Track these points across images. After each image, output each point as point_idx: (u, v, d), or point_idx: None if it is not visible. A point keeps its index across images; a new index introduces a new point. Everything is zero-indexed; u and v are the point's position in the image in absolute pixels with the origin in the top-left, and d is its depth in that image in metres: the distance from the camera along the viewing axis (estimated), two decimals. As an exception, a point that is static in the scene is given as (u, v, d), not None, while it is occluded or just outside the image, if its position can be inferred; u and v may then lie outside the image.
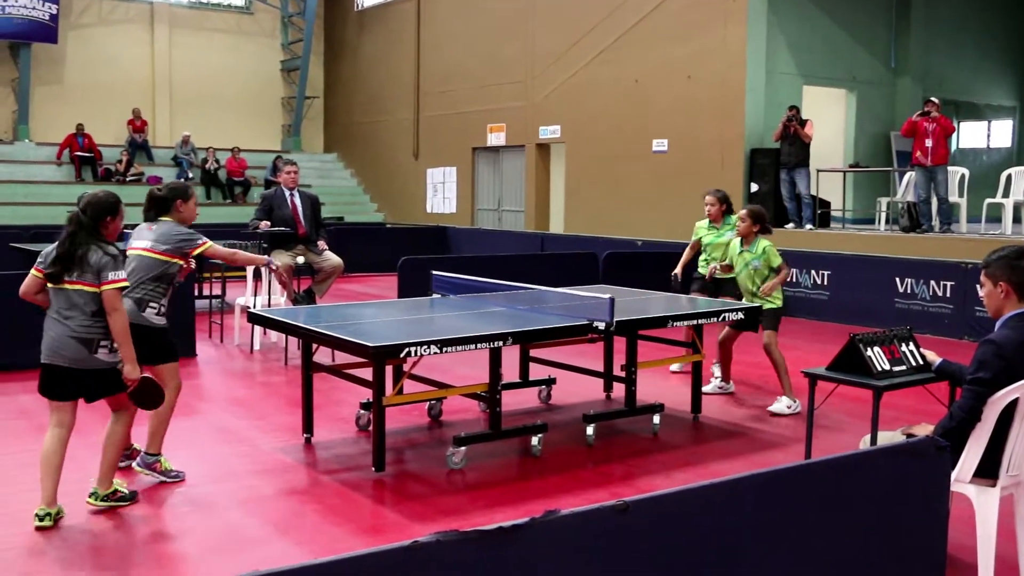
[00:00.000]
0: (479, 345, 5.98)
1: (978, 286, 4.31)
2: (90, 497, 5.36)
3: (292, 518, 5.43)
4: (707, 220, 9.09)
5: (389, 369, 6.77)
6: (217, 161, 23.43)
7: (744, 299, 7.81)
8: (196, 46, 25.43)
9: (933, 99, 13.73)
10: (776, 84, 15.72)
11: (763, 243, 7.66)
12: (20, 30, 22.72)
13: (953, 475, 4.25)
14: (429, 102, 22.83)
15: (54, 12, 22.89)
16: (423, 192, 23.24)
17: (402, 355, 5.76)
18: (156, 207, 5.96)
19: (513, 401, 7.92)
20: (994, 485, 4.23)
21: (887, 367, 4.64)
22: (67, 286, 5.06)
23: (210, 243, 6.00)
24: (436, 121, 22.63)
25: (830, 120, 17.08)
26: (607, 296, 6.38)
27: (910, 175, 15.00)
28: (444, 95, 22.25)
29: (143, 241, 5.82)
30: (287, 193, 10.31)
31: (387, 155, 24.52)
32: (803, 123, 14.55)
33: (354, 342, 5.77)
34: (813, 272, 13.56)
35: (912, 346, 4.78)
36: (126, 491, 5.50)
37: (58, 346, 5.08)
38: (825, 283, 13.35)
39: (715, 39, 15.70)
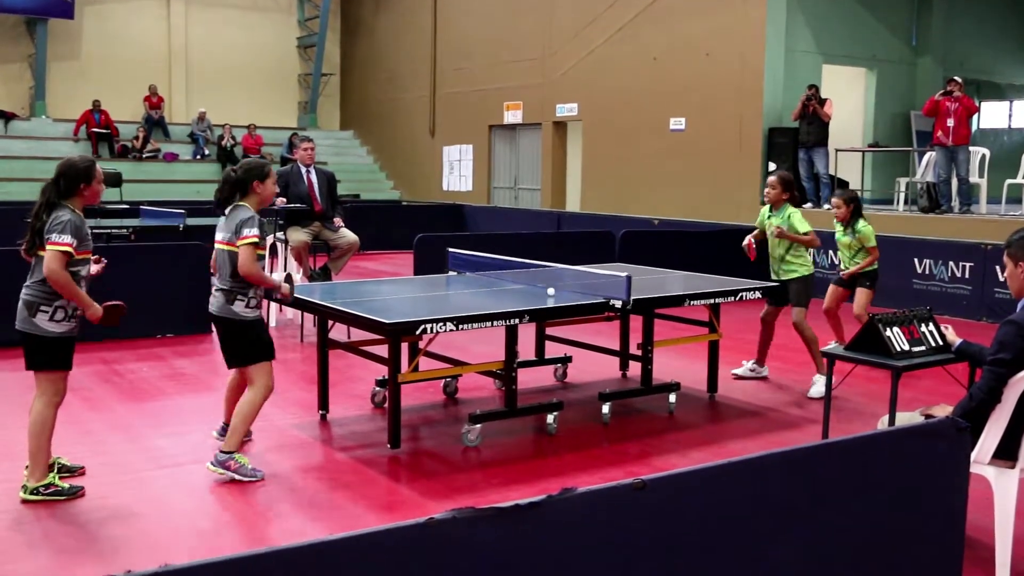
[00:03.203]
0: (495, 323, 5.96)
1: (997, 268, 4.27)
2: (21, 489, 5.14)
3: (308, 494, 5.45)
4: (768, 205, 8.61)
5: (405, 346, 6.78)
6: (233, 138, 23.44)
7: (772, 268, 7.85)
8: (212, 22, 25.39)
9: (956, 78, 13.57)
10: (795, 63, 15.57)
11: (789, 209, 7.67)
12: (37, 5, 22.73)
13: (972, 456, 4.22)
14: (445, 79, 22.75)
15: (71, -12, 22.90)
16: (439, 170, 23.20)
17: (418, 332, 5.76)
18: (233, 190, 5.60)
19: (529, 379, 7.90)
20: (1013, 467, 4.20)
21: (906, 348, 4.61)
22: (40, 253, 5.07)
23: (250, 242, 5.41)
24: (453, 98, 22.55)
25: (850, 99, 16.93)
26: (624, 274, 6.35)
27: (930, 155, 14.87)
28: (461, 72, 22.16)
29: (220, 233, 5.63)
30: (303, 170, 10.30)
31: (403, 133, 24.47)
32: (822, 102, 14.43)
33: (370, 319, 5.77)
34: (830, 252, 13.46)
35: (932, 327, 4.74)
36: (65, 485, 5.19)
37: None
38: (841, 264, 13.23)
39: (734, 17, 15.55)
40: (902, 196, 14.91)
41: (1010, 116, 21.43)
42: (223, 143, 23.31)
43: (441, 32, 22.76)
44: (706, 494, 2.81)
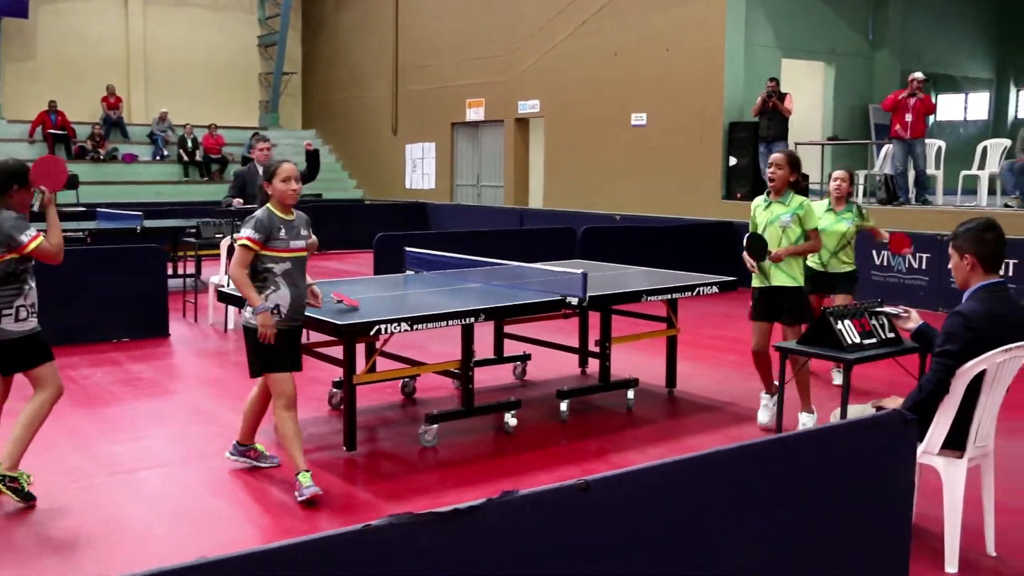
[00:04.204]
0: (450, 322, 5.93)
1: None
2: None
3: (261, 499, 5.38)
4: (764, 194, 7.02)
5: (361, 347, 6.73)
6: (195, 139, 23.18)
7: (761, 269, 6.34)
8: (171, 21, 25.06)
9: (919, 76, 13.67)
10: (755, 57, 15.64)
11: (800, 198, 6.32)
12: (-9, 5, 22.34)
13: (921, 447, 4.25)
14: (408, 77, 22.63)
15: (25, -13, 22.53)
16: (402, 168, 23.09)
17: (372, 333, 5.70)
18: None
19: (488, 377, 7.88)
20: (961, 457, 4.23)
21: (858, 340, 4.62)
22: None
23: (241, 242, 5.26)
24: (415, 96, 22.45)
25: (809, 93, 17.03)
26: (580, 271, 6.33)
27: (887, 148, 15.00)
28: (423, 70, 22.06)
29: None
30: (260, 170, 10.16)
31: (366, 131, 24.33)
32: (782, 97, 14.51)
33: (323, 320, 5.71)
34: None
35: (883, 319, 4.75)
36: (26, 487, 5.07)
37: None
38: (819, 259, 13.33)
39: (694, 11, 15.59)
40: (861, 188, 15.01)
41: (965, 109, 21.68)
42: (187, 144, 22.97)
43: (403, 30, 22.64)
44: (653, 493, 2.79)
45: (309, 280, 5.56)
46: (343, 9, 25.03)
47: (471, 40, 20.42)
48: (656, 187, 16.30)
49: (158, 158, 23.30)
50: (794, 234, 6.25)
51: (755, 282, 6.40)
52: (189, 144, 23.07)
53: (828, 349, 4.61)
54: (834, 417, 4.65)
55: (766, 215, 6.34)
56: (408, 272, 7.84)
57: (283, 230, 5.27)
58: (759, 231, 6.35)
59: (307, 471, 5.26)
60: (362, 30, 24.13)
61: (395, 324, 5.74)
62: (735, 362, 8.57)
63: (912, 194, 13.74)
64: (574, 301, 6.28)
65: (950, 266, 4.30)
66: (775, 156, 6.40)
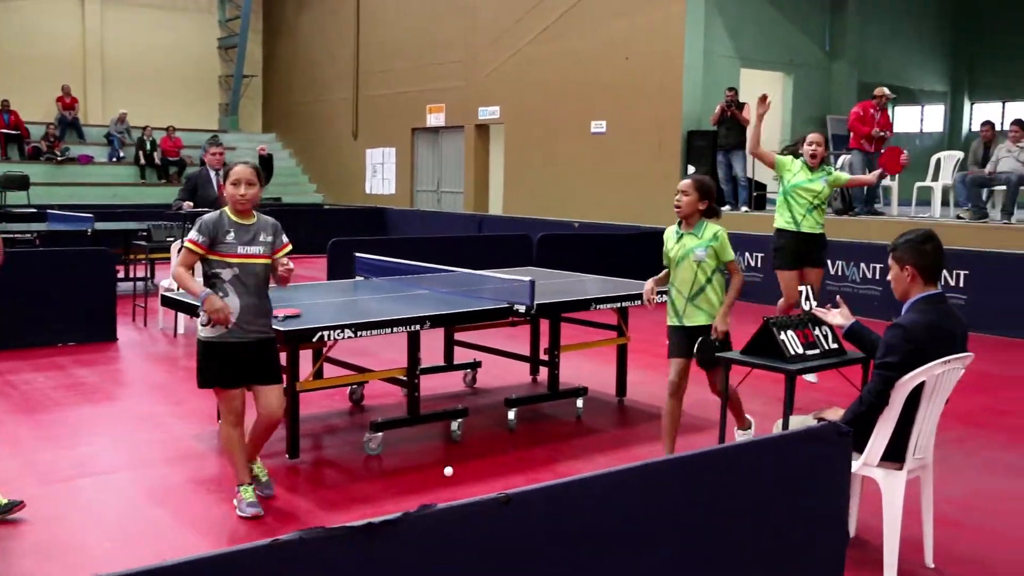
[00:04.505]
0: (395, 329, 5.85)
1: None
2: None
3: (198, 508, 5.27)
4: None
5: (309, 354, 6.63)
6: (153, 141, 22.88)
7: (675, 308, 5.76)
8: (129, 21, 24.72)
9: (887, 92, 13.77)
10: (714, 66, 15.70)
11: (714, 227, 5.65)
12: (-57, 3, 21.93)
13: (861, 459, 4.23)
14: (368, 82, 22.50)
15: (-22, -16, 22.15)
16: (362, 173, 22.94)
17: (315, 339, 5.61)
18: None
19: (438, 385, 7.81)
20: (901, 468, 4.21)
21: (800, 351, 4.60)
22: None
23: (185, 245, 5.07)
24: (375, 101, 22.32)
25: (767, 103, 17.09)
26: (528, 279, 6.27)
27: (844, 158, 15.10)
28: (383, 75, 21.94)
29: None
30: (212, 174, 10.05)
31: (326, 135, 24.16)
32: (740, 106, 14.56)
33: (264, 326, 5.60)
34: (747, 255, 13.61)
35: (826, 330, 4.74)
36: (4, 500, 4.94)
37: None
38: (759, 265, 13.39)
39: (653, 20, 15.62)
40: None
41: (922, 120, 21.93)
42: (146, 146, 22.66)
43: (364, 34, 22.51)
44: (578, 506, 2.74)
45: (285, 262, 5.05)
46: (304, 12, 24.86)
47: (432, 45, 20.35)
48: (615, 195, 16.31)
49: (115, 159, 22.98)
50: (710, 268, 5.60)
51: (670, 320, 5.82)
52: (148, 146, 22.77)
53: (771, 360, 4.58)
54: (776, 428, 4.62)
55: (677, 248, 5.66)
56: (358, 278, 7.75)
57: (232, 233, 4.93)
58: (671, 264, 5.74)
59: (249, 485, 5.14)
60: (323, 33, 23.97)
61: (339, 331, 5.65)
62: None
63: (874, 205, 13.80)
64: (522, 309, 6.22)
65: (889, 277, 4.28)
66: (682, 183, 5.73)
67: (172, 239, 10.37)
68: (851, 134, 13.61)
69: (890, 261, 4.25)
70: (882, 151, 6.46)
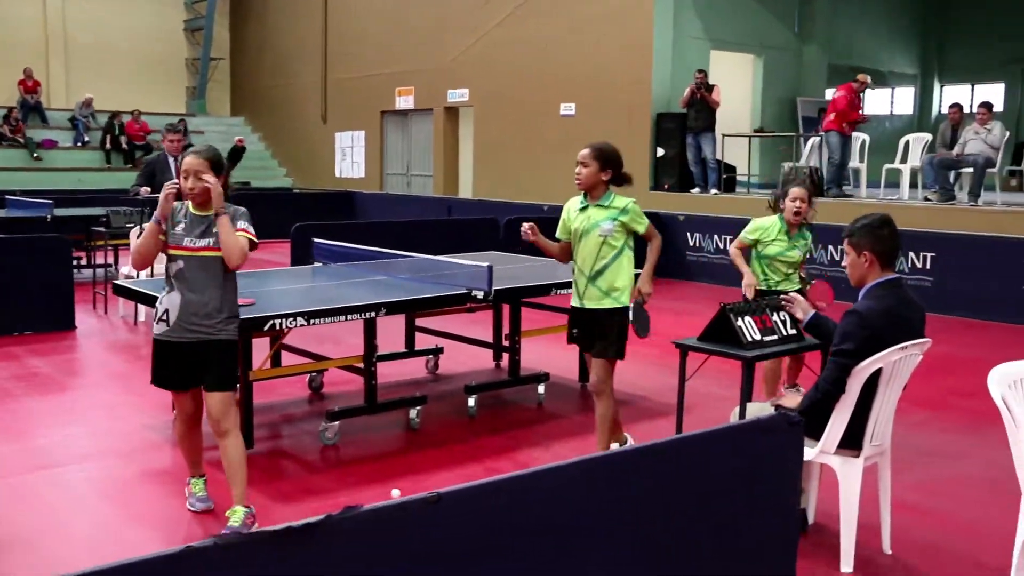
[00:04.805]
0: (350, 316, 5.72)
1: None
2: None
3: (149, 502, 5.13)
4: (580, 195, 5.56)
5: (266, 341, 6.50)
6: (121, 124, 22.52)
7: (576, 288, 5.26)
8: (92, 4, 24.28)
9: (868, 79, 13.75)
10: (684, 49, 15.58)
11: (624, 200, 5.14)
12: (-99, -16, 21.46)
13: (818, 446, 4.15)
14: (337, 65, 22.24)
15: (-63, -34, 21.69)
16: (332, 156, 22.70)
17: (266, 328, 5.47)
18: None
19: (400, 371, 7.70)
20: (858, 456, 4.14)
21: (758, 337, 4.51)
22: None
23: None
24: (344, 84, 22.07)
25: (738, 85, 17.03)
26: (486, 264, 6.15)
27: (814, 140, 15.07)
28: (352, 58, 21.69)
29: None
30: (171, 160, 9.85)
31: (295, 119, 23.88)
32: (710, 89, 14.46)
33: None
34: (715, 237, 13.56)
35: (784, 315, 4.65)
36: None
37: None
38: (727, 247, 13.32)
39: (623, 2, 15.49)
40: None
41: (892, 103, 21.94)
42: (115, 131, 22.30)
43: (332, 16, 22.23)
44: (513, 504, 2.63)
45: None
46: (272, -6, 24.53)
47: (400, 28, 20.11)
48: (585, 178, 16.16)
49: (79, 144, 22.61)
50: (618, 242, 5.05)
51: (573, 300, 5.27)
52: (116, 130, 22.40)
53: (727, 347, 4.49)
54: (734, 416, 4.53)
55: (581, 219, 5.11)
56: (317, 264, 7.60)
57: (182, 225, 4.54)
58: (573, 238, 5.21)
59: (200, 477, 5.00)
60: (291, 16, 23.65)
61: (291, 319, 5.52)
62: (652, 355, 8.45)
63: (843, 187, 13.75)
64: (480, 295, 6.11)
65: (845, 263, 4.20)
66: (581, 152, 5.14)
67: (132, 225, 10.15)
68: (832, 115, 13.47)
69: (846, 247, 4.16)
70: (812, 283, 5.63)
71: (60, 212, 12.36)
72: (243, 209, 4.65)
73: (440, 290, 6.29)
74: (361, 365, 6.21)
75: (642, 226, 5.15)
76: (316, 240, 7.63)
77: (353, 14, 21.55)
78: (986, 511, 5.00)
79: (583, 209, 5.20)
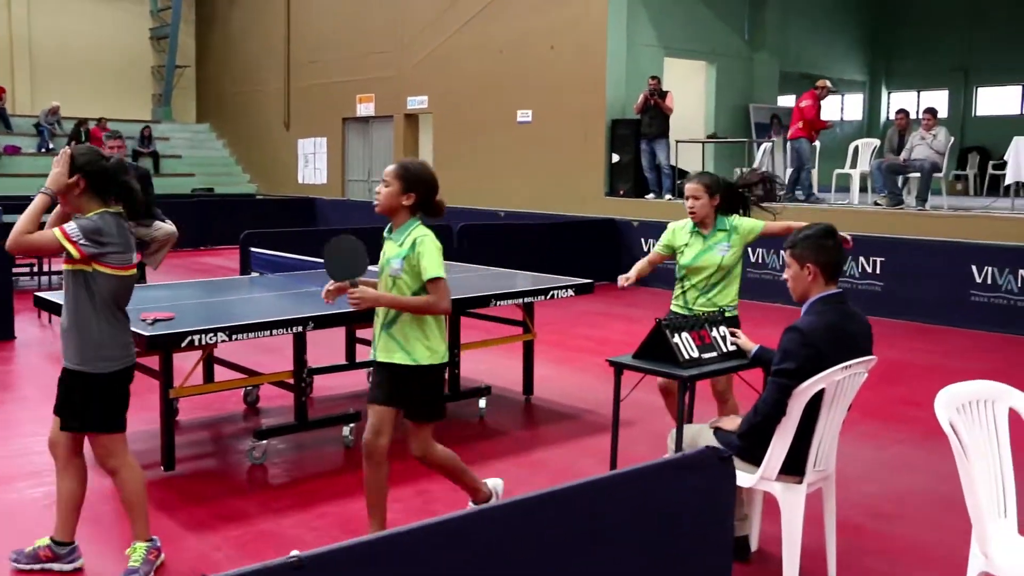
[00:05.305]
0: (275, 331, 5.24)
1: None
2: None
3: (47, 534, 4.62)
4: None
5: (196, 356, 6.00)
6: (87, 131, 21.80)
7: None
8: (58, 11, 23.53)
9: (829, 84, 13.42)
10: (637, 56, 15.20)
11: (421, 232, 4.01)
12: None
13: (759, 472, 3.73)
14: (300, 72, 21.66)
15: (-101, -26, 20.91)
16: (295, 163, 22.11)
17: (183, 344, 4.97)
18: None
19: (340, 384, 7.22)
20: (800, 482, 3.72)
21: (695, 354, 4.07)
22: None
23: None
24: (307, 91, 21.50)
25: (691, 92, 16.68)
26: (419, 275, 5.68)
27: (766, 146, 14.74)
28: (314, 65, 21.13)
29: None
30: (112, 165, 9.28)
31: (259, 126, 23.27)
32: (663, 95, 14.09)
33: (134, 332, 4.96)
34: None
35: (724, 330, 4.22)
36: None
37: None
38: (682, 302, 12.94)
39: (577, 10, 15.08)
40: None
41: (842, 109, 21.71)
42: (81, 138, 21.58)
43: (294, 24, 21.66)
44: (395, 563, 2.18)
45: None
46: (236, 2, 23.88)
47: (361, 35, 19.60)
48: (541, 184, 15.79)
49: (43, 150, 21.88)
50: (408, 290, 3.99)
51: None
52: (82, 136, 21.69)
53: (663, 364, 4.05)
54: (671, 438, 4.10)
55: (384, 255, 4.12)
56: (254, 274, 7.11)
57: None
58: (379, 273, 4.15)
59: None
60: (254, 23, 23.06)
61: (211, 334, 5.03)
62: (599, 365, 8.02)
63: (801, 193, 13.41)
64: (413, 307, 5.63)
65: (786, 276, 3.78)
66: (386, 169, 4.10)
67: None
68: (800, 123, 13.08)
69: (788, 259, 3.74)
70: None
71: (7, 219, 11.76)
72: (96, 221, 3.74)
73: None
74: (291, 381, 5.72)
75: (433, 269, 3.92)
76: (253, 250, 7.14)
77: (315, 22, 21.00)
78: (938, 534, 4.60)
79: (387, 241, 4.13)
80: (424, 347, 4.04)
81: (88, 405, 3.89)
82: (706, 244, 5.00)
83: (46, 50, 23.48)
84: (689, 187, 5.01)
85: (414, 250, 3.94)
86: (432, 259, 3.94)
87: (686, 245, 5.04)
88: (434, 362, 4.08)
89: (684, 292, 5.05)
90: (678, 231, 5.11)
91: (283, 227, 14.80)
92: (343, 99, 20.25)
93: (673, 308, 5.06)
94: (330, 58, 20.59)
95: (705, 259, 4.96)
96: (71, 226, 3.71)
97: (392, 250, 4.05)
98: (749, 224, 5.06)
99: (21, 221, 3.76)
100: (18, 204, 13.55)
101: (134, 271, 3.96)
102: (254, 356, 6.60)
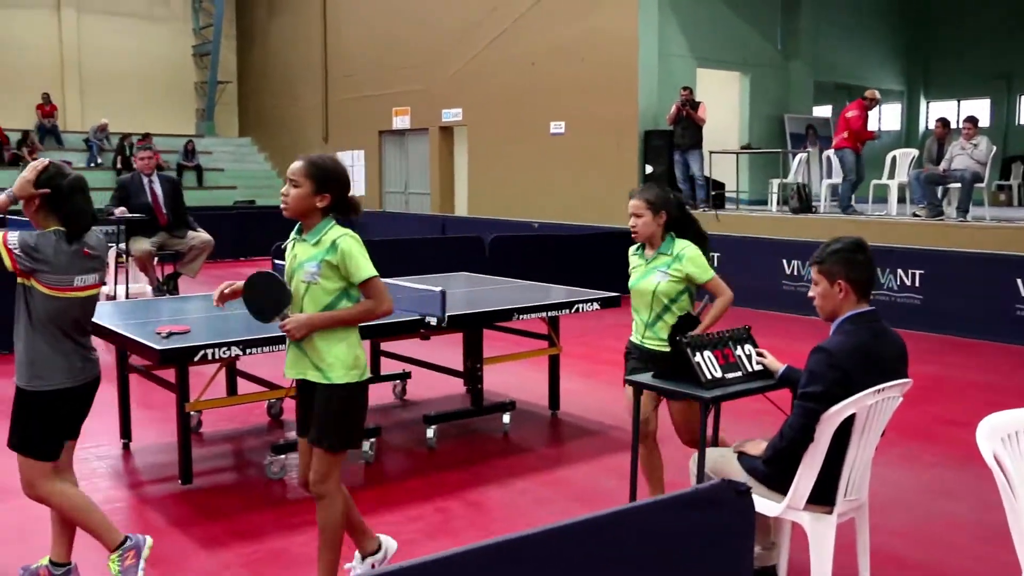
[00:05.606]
0: (282, 346, 5.03)
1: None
2: None
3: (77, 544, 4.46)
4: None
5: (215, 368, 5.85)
6: (132, 145, 21.99)
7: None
8: (106, 31, 23.82)
9: (877, 95, 13.03)
10: (670, 66, 14.92)
11: (338, 231, 3.60)
12: (-79, 14, 21.06)
13: (785, 501, 3.46)
14: (337, 86, 21.65)
15: (-45, -6, 21.29)
16: (334, 176, 22.07)
17: (196, 359, 4.81)
18: None
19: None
20: (830, 512, 3.44)
21: (718, 374, 3.81)
22: None
23: None
24: (344, 105, 21.47)
25: (725, 102, 16.36)
26: (438, 289, 5.48)
27: (801, 156, 14.39)
28: (351, 79, 21.10)
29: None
30: (145, 179, 9.21)
31: (299, 139, 23.26)
32: (696, 106, 13.79)
33: (140, 343, 4.82)
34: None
35: (749, 348, 3.94)
36: None
37: None
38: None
39: (607, 21, 14.85)
40: (774, 197, 14.35)
41: (879, 119, 21.22)
42: (125, 150, 21.81)
43: (331, 39, 21.66)
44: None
45: None
46: (275, 19, 23.97)
47: (396, 49, 19.52)
48: (574, 195, 15.55)
49: (92, 165, 22.10)
50: (325, 295, 3.53)
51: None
52: (127, 151, 21.90)
53: (684, 385, 3.79)
54: (692, 462, 3.84)
55: (294, 259, 3.65)
56: (277, 286, 6.93)
57: None
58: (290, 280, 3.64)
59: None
60: (293, 40, 23.11)
61: (225, 348, 4.87)
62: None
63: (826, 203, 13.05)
64: (433, 321, 5.43)
65: (813, 294, 3.50)
66: (292, 166, 3.64)
67: (110, 246, 9.51)
68: (845, 133, 12.67)
69: (816, 275, 3.46)
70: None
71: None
72: (36, 238, 3.54)
73: (394, 316, 5.61)
74: (310, 395, 5.53)
75: (361, 271, 3.49)
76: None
77: (352, 37, 20.97)
78: (981, 564, 4.27)
79: (294, 245, 3.68)
80: (340, 362, 3.51)
81: (20, 422, 3.70)
82: (648, 267, 4.37)
83: (95, 69, 23.75)
84: (631, 203, 4.34)
85: (335, 252, 3.48)
86: (360, 259, 3.48)
87: (633, 268, 4.48)
88: (351, 380, 3.53)
89: (633, 322, 4.47)
90: (631, 252, 4.53)
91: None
92: (379, 112, 20.18)
93: (631, 338, 4.51)
94: (366, 72, 20.54)
95: (643, 284, 4.35)
96: (13, 235, 3.55)
97: (305, 252, 3.55)
98: (697, 266, 4.28)
99: None
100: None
101: (81, 294, 3.66)
102: (279, 368, 6.43)
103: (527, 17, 16.22)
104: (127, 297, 9.42)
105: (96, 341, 5.49)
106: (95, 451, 5.91)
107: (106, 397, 6.29)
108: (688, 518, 2.53)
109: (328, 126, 22.06)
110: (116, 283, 9.70)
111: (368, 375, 3.64)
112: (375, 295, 3.53)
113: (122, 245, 9.25)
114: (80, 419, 3.83)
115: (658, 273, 4.31)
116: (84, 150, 22.37)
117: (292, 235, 3.68)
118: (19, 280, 3.59)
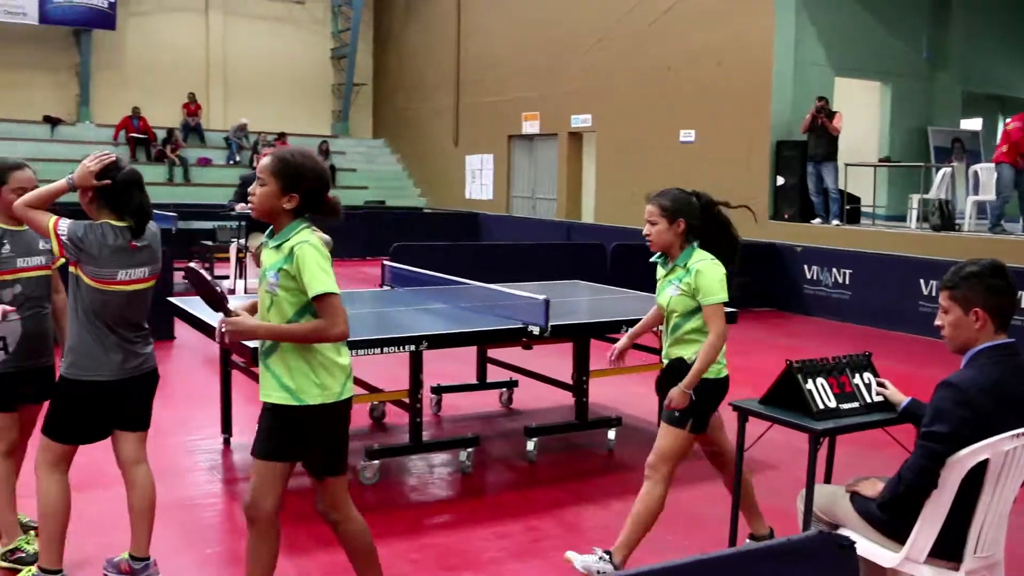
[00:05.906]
0: (386, 349, 4.91)
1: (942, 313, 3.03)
2: None
3: (168, 536, 4.43)
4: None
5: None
6: (269, 143, 22.66)
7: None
8: (249, 33, 24.66)
9: None
10: (806, 75, 14.26)
11: (302, 236, 3.13)
12: (81, 17, 22.20)
13: (902, 553, 3.07)
14: (468, 89, 21.74)
15: (113, 0, 22.34)
16: (462, 178, 22.19)
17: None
18: None
19: (471, 404, 6.87)
20: (957, 569, 3.04)
21: (832, 404, 3.44)
22: None
23: None
24: (474, 108, 21.53)
25: (864, 113, 15.55)
26: (542, 297, 5.24)
27: (944, 172, 13.52)
28: (482, 83, 21.14)
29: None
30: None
31: (430, 141, 23.53)
32: (831, 115, 13.14)
33: (239, 343, 4.75)
34: (835, 270, 12.19)
35: (869, 377, 3.56)
36: (32, 550, 3.96)
37: None
38: (847, 282, 11.98)
39: (743, 28, 14.32)
40: (914, 213, 13.53)
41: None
42: (259, 149, 22.55)
43: (464, 43, 21.76)
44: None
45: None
46: (410, 23, 24.28)
47: (527, 53, 19.43)
48: (702, 205, 15.05)
49: (231, 162, 22.89)
50: (289, 307, 3.14)
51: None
52: (258, 149, 22.60)
53: (792, 415, 3.44)
54: (800, 499, 3.48)
55: (262, 265, 3.27)
56: (384, 288, 6.85)
57: (7, 246, 3.85)
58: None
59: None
60: (427, 44, 23.34)
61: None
62: (746, 397, 7.35)
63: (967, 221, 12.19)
64: (536, 330, 5.20)
65: (942, 322, 3.10)
66: (260, 164, 3.24)
67: (232, 240, 9.70)
68: (1004, 147, 11.79)
69: (946, 302, 3.06)
70: None
71: (184, 225, 12.11)
72: (84, 228, 3.52)
73: (496, 323, 5.42)
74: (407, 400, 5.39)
75: (317, 285, 3.05)
76: (387, 263, 6.89)
77: (483, 41, 21.01)
78: None
79: (269, 247, 3.24)
80: (312, 382, 3.14)
81: (52, 403, 3.72)
82: (665, 279, 4.04)
83: (237, 70, 24.58)
84: (646, 208, 4.04)
85: (291, 260, 3.06)
86: (314, 271, 3.03)
87: (658, 279, 4.14)
88: (325, 401, 3.16)
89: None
90: (655, 259, 4.19)
91: (446, 240, 14.70)
92: (509, 117, 20.13)
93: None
94: (497, 76, 20.53)
95: (660, 298, 4.04)
96: (65, 223, 3.53)
97: (269, 259, 3.17)
98: (702, 283, 3.88)
99: (35, 193, 3.65)
100: (206, 212, 14.06)
101: (127, 288, 3.58)
102: (394, 370, 6.31)
103: (660, 23, 15.82)
104: (246, 292, 9.55)
105: (201, 336, 5.50)
106: (201, 443, 5.94)
107: (212, 391, 6.34)
108: (778, 572, 2.21)
109: (458, 129, 22.17)
110: (236, 277, 9.86)
111: (345, 396, 3.26)
112: (327, 314, 3.07)
113: (243, 240, 9.39)
114: (126, 413, 3.74)
115: (672, 287, 3.97)
116: (224, 148, 23.19)
117: (264, 238, 3.31)
118: (70, 268, 3.60)
